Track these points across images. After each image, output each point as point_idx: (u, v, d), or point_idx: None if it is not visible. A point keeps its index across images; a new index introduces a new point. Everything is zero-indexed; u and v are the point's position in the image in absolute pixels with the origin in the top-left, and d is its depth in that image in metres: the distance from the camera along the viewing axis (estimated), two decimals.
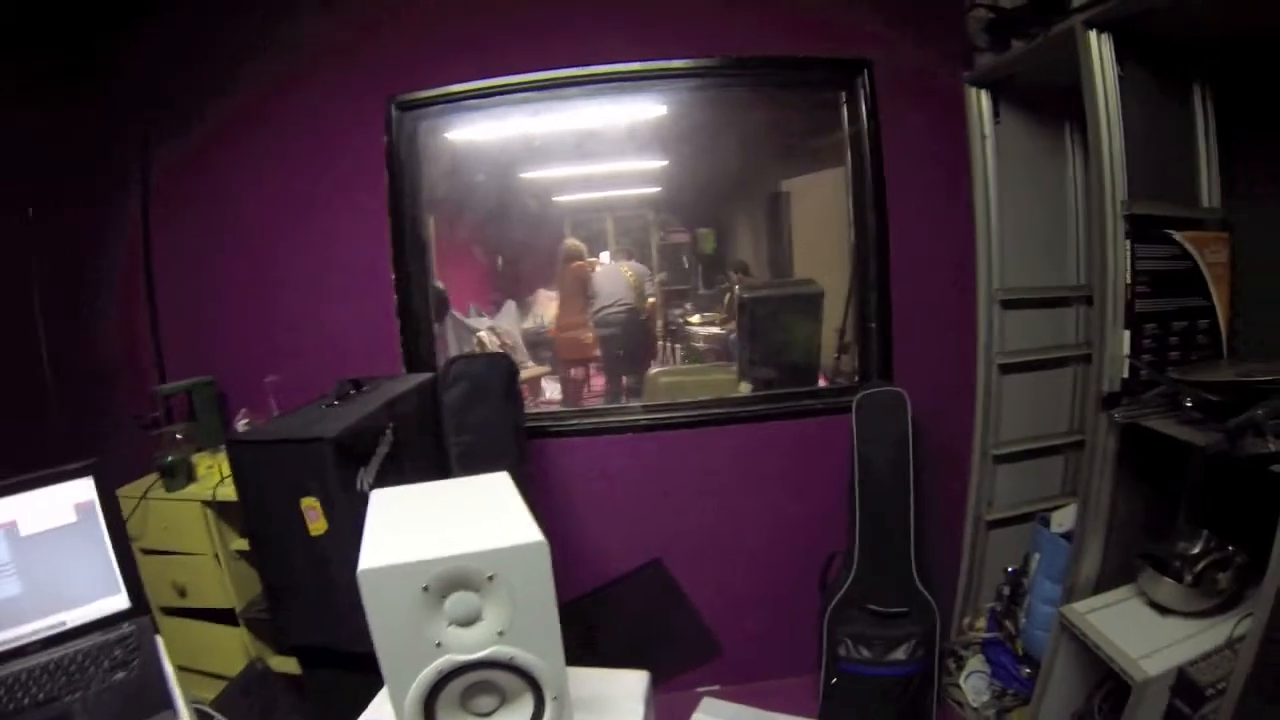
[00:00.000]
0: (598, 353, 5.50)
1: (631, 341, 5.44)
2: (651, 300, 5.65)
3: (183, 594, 2.92)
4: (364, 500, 1.54)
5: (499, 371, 2.98)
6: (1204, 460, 2.38)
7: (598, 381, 5.64)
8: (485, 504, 1.49)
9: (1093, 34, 2.26)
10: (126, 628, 1.85)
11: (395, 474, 2.28)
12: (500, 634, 1.28)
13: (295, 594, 2.18)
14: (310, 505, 2.04)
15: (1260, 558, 1.91)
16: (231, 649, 2.93)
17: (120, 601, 1.89)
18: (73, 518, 1.85)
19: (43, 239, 3.21)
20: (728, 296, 5.86)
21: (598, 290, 5.44)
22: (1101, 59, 2.26)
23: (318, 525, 2.05)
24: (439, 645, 1.27)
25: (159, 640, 1.83)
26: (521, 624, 1.29)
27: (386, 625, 1.25)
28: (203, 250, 3.32)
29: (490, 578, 1.26)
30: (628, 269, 5.54)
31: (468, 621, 1.29)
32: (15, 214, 3.14)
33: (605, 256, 5.74)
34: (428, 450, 2.77)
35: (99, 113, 3.33)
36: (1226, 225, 2.51)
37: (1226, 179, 2.52)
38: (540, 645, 1.31)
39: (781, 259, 5.39)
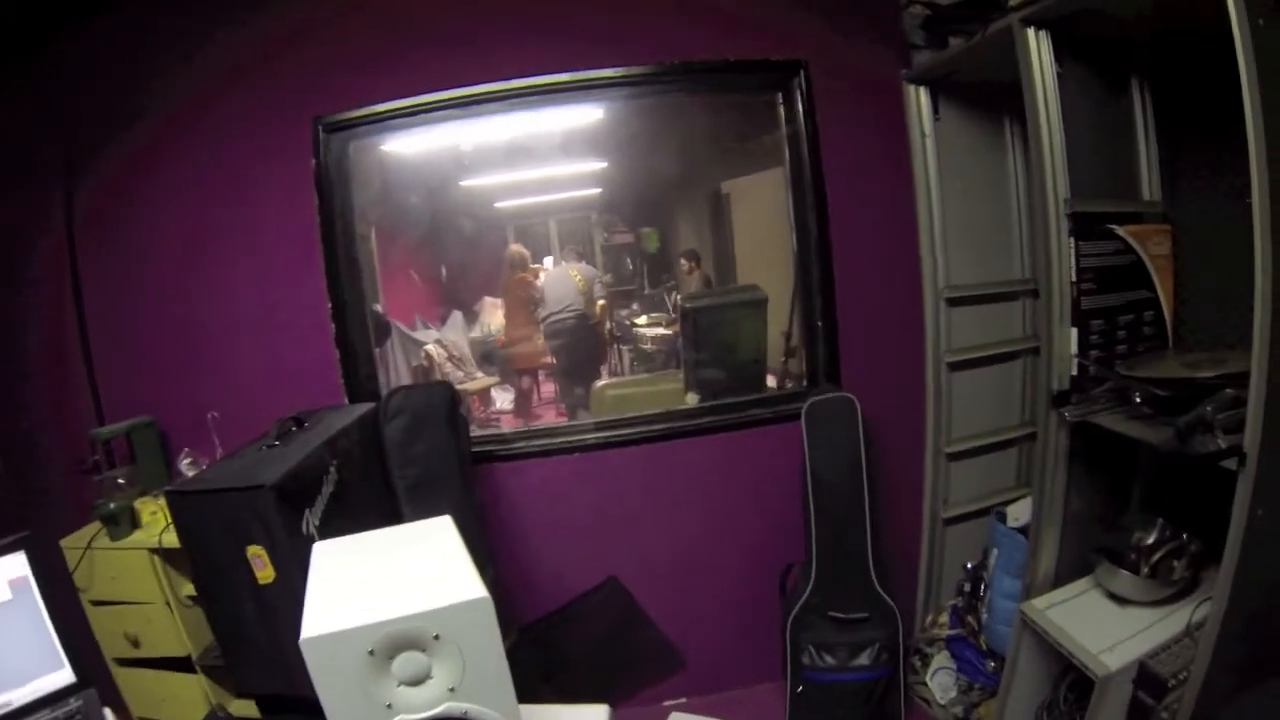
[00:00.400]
0: (548, 360, 5.46)
1: (581, 347, 5.40)
2: (601, 304, 5.61)
3: (136, 644, 2.83)
4: (311, 544, 1.51)
5: (440, 400, 2.92)
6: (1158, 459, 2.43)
7: (548, 389, 5.65)
8: (428, 555, 1.48)
9: (1030, 31, 2.26)
10: (74, 703, 1.81)
11: (343, 512, 2.24)
12: (451, 690, 1.27)
13: (247, 643, 2.13)
14: (256, 554, 2.00)
15: (1214, 543, 1.97)
16: (191, 697, 2.85)
17: (65, 676, 1.84)
18: (7, 595, 1.80)
19: None
20: (674, 296, 5.86)
21: (546, 297, 5.40)
22: (1040, 57, 2.28)
23: (265, 573, 2.01)
24: (389, 707, 1.25)
25: (107, 713, 1.78)
26: (472, 678, 1.28)
27: (334, 691, 1.23)
28: (133, 283, 3.21)
29: (436, 636, 1.25)
30: (576, 272, 5.50)
31: (417, 681, 1.27)
32: None
33: (549, 262, 5.69)
34: (374, 485, 2.72)
35: (16, 135, 3.19)
36: (1167, 218, 2.53)
37: (1166, 172, 2.55)
38: (493, 697, 1.30)
39: (725, 258, 5.39)
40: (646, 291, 6.05)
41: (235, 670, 2.28)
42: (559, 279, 5.46)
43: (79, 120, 3.15)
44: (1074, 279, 2.32)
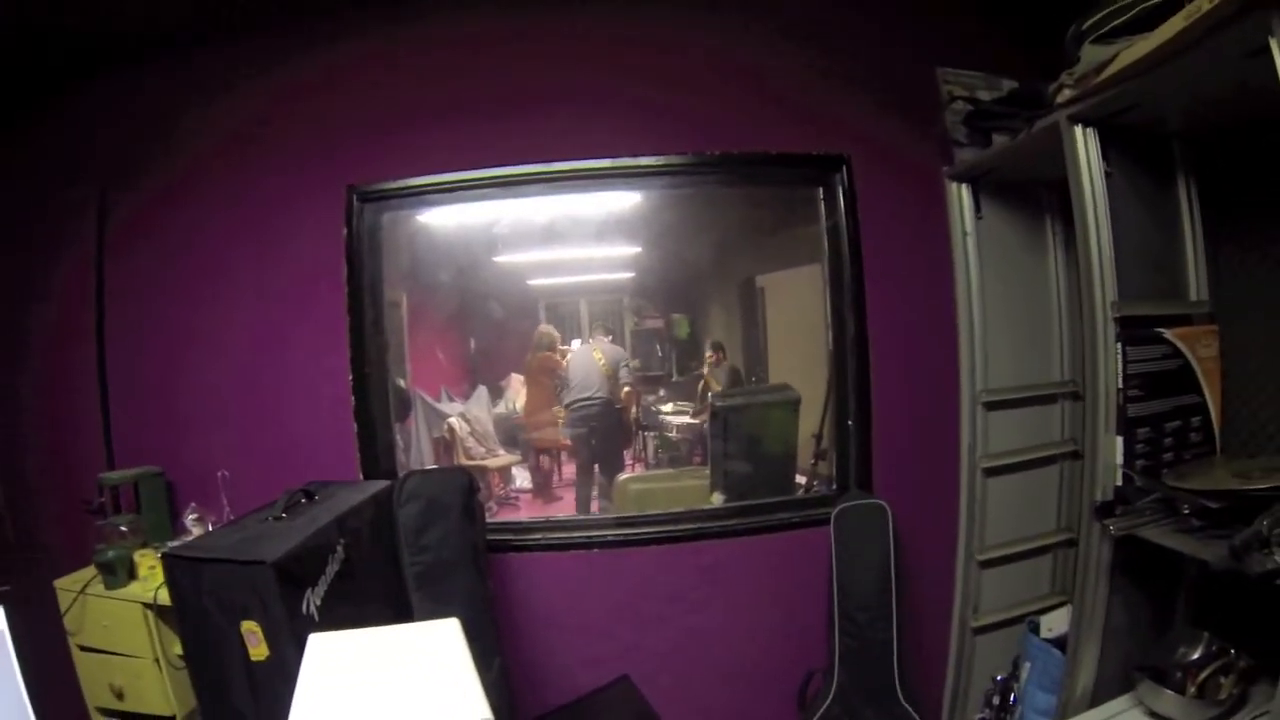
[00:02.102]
0: (568, 443, 5.32)
1: (604, 436, 5.26)
2: (626, 389, 5.49)
3: (120, 697, 2.69)
4: (310, 624, 1.38)
5: (457, 488, 2.78)
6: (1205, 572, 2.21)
7: (569, 469, 5.51)
8: (430, 664, 1.34)
9: (1078, 129, 2.19)
10: None
11: (347, 594, 2.11)
12: None
13: (232, 717, 1.99)
14: (251, 629, 1.87)
15: (1265, 657, 1.96)
16: None
17: None
18: None
19: None
20: (701, 384, 5.77)
21: (570, 379, 5.28)
22: (1088, 155, 2.19)
23: (258, 650, 1.88)
24: None
25: None
26: None
27: None
28: (157, 328, 3.15)
29: None
30: (599, 353, 5.36)
31: None
32: None
33: (576, 344, 5.57)
34: (383, 567, 2.58)
35: (53, 178, 3.20)
36: (1214, 318, 2.41)
37: (1212, 269, 2.43)
38: None
39: (755, 350, 5.30)
40: (675, 379, 5.95)
41: None
42: (582, 359, 5.35)
43: (115, 166, 3.15)
44: (1120, 385, 2.19)
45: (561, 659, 3.16)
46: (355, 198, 3.03)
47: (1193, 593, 2.42)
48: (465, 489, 2.80)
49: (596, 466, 5.25)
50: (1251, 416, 2.34)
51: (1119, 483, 2.21)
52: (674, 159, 3.06)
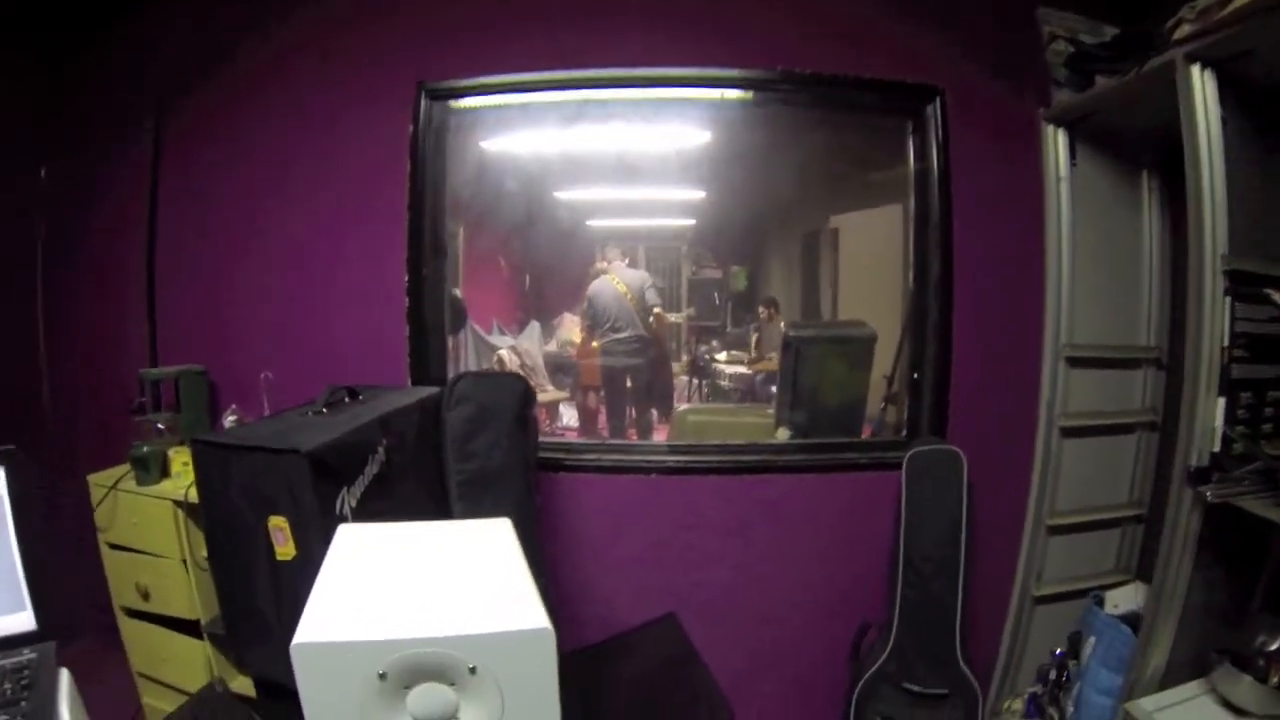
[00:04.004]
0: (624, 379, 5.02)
1: (642, 376, 4.96)
2: (658, 312, 5.18)
3: (146, 597, 2.55)
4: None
5: (512, 394, 2.50)
6: None
7: None
8: (478, 564, 1.09)
9: (1195, 69, 2.00)
10: (26, 654, 1.43)
11: (385, 499, 1.87)
12: None
13: (254, 620, 1.76)
14: (278, 525, 1.63)
15: None
16: (194, 662, 2.55)
17: (24, 621, 1.47)
18: None
19: (51, 200, 3.04)
20: (755, 337, 5.57)
21: (598, 316, 4.93)
22: (1204, 96, 2.00)
23: (285, 549, 1.64)
24: None
25: (63, 676, 1.40)
26: None
27: (323, 715, 0.87)
28: (209, 228, 2.95)
29: (473, 670, 0.89)
30: (620, 282, 4.96)
31: None
32: (28, 172, 2.99)
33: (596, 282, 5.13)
34: (426, 475, 2.32)
35: (112, 74, 3.03)
36: None
37: None
38: None
39: (814, 300, 5.04)
40: (729, 330, 5.71)
41: (237, 645, 1.98)
42: (606, 294, 4.96)
43: (175, 59, 2.95)
44: (1226, 344, 1.99)
45: (606, 589, 2.94)
46: (424, 94, 2.76)
47: (1273, 578, 2.21)
48: (521, 396, 2.52)
49: (632, 410, 4.97)
50: None
51: (1216, 448, 2.01)
52: (757, 72, 2.79)
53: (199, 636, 2.52)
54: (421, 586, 1.01)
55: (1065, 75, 2.67)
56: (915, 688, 2.61)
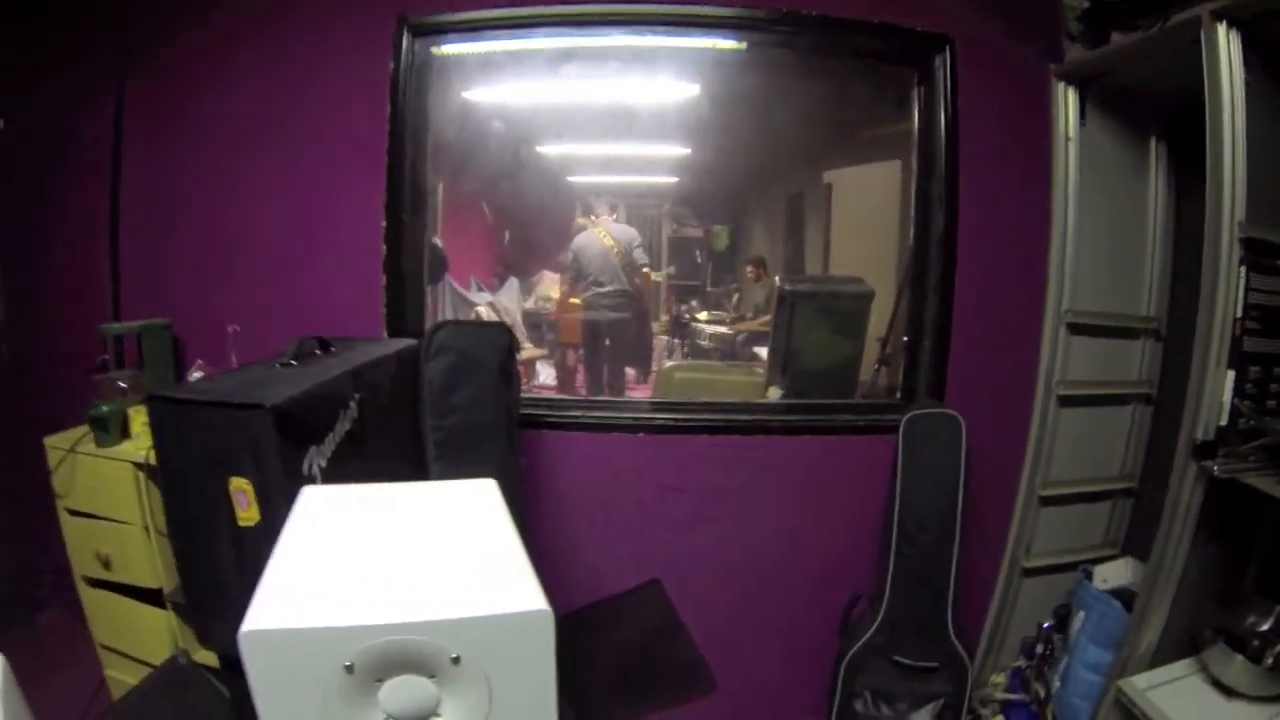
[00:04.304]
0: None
1: (623, 332, 4.85)
2: (645, 271, 5.06)
3: (107, 565, 2.40)
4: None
5: (494, 344, 2.35)
6: (1276, 522, 2.09)
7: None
8: (461, 533, 0.96)
9: (1221, 27, 1.90)
10: None
11: (358, 459, 1.73)
12: None
13: (216, 590, 1.62)
14: (240, 488, 1.49)
15: None
16: (158, 633, 2.40)
17: None
18: None
19: (10, 151, 2.86)
20: (735, 297, 5.51)
21: (584, 269, 4.80)
22: (1229, 56, 1.90)
23: (248, 514, 1.50)
24: None
25: None
26: None
27: (281, 714, 0.75)
28: (176, 176, 2.75)
29: (456, 660, 0.77)
30: (607, 236, 4.83)
31: (414, 719, 0.79)
32: None
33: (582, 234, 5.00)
34: (402, 431, 2.19)
35: (78, 21, 2.81)
36: None
37: None
38: None
39: (799, 260, 4.96)
40: (709, 289, 5.64)
41: (198, 617, 1.77)
42: (593, 247, 4.83)
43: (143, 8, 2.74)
44: (1239, 314, 1.91)
45: (589, 553, 2.82)
46: (406, 29, 2.58)
47: (1264, 559, 2.19)
48: (504, 346, 2.39)
49: (606, 369, 4.88)
50: None
51: (1223, 422, 1.94)
52: (766, 13, 2.62)
53: (163, 606, 2.39)
54: (395, 561, 0.88)
55: (1080, 30, 2.55)
56: (905, 660, 2.53)
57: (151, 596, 2.40)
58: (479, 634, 0.77)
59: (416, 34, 2.60)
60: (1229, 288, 1.91)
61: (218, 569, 1.57)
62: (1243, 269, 1.90)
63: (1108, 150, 2.71)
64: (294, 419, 1.48)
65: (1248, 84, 1.90)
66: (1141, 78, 2.49)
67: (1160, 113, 2.70)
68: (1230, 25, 1.89)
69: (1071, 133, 2.64)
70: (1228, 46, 1.89)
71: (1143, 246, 2.81)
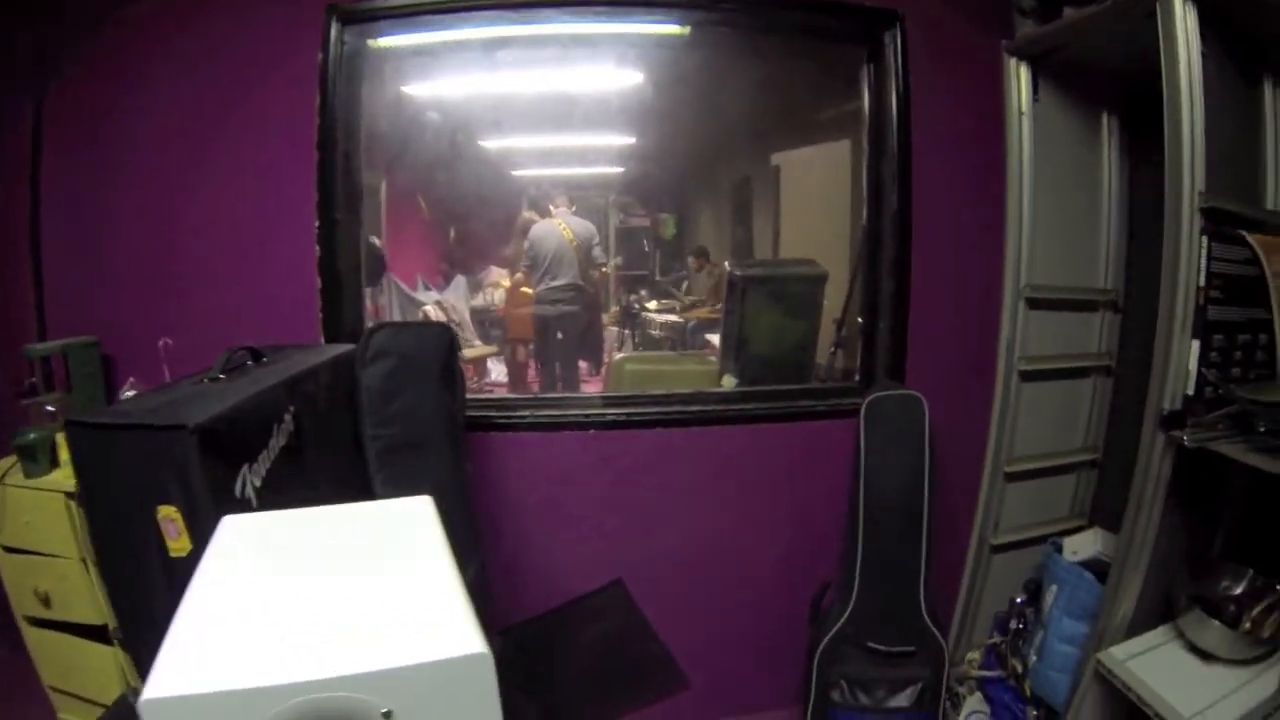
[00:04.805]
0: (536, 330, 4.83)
1: (581, 328, 4.77)
2: (603, 268, 4.98)
3: (47, 603, 2.25)
4: (247, 509, 1.08)
5: (434, 346, 2.22)
6: (1243, 488, 2.11)
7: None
8: (392, 566, 0.85)
9: (1177, 1, 1.88)
10: None
11: (295, 475, 1.61)
12: None
13: (153, 625, 1.48)
14: (169, 516, 1.35)
15: None
16: (107, 671, 2.26)
17: None
18: None
19: None
20: (684, 284, 5.47)
21: (539, 261, 4.71)
22: (1186, 28, 1.88)
23: (179, 544, 1.36)
24: None
25: None
26: None
27: None
28: (98, 184, 2.58)
29: (387, 715, 0.67)
30: (566, 229, 4.76)
31: None
32: None
33: (540, 222, 4.94)
34: (343, 443, 2.06)
35: None
36: None
37: None
38: None
39: (747, 247, 4.90)
40: (658, 278, 5.63)
41: (135, 654, 1.69)
42: (550, 238, 4.75)
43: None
44: (1202, 284, 1.89)
45: (546, 559, 2.72)
46: (335, 18, 2.45)
47: (1232, 525, 2.21)
48: (445, 347, 2.26)
49: (558, 364, 4.81)
50: None
51: (1190, 391, 1.92)
52: None
53: (109, 643, 2.24)
54: (318, 604, 0.77)
55: (1031, 5, 2.52)
56: (879, 646, 2.46)
57: (97, 633, 2.25)
58: (411, 685, 0.66)
59: (346, 22, 2.46)
60: (1191, 258, 1.89)
61: (153, 604, 1.43)
62: (1204, 239, 1.89)
63: (1061, 124, 2.68)
64: (221, 438, 1.36)
65: (1203, 56, 1.88)
66: (1093, 52, 2.47)
67: (1112, 86, 2.68)
68: None
69: (1024, 108, 2.60)
70: (1184, 19, 1.87)
71: (1098, 219, 2.79)
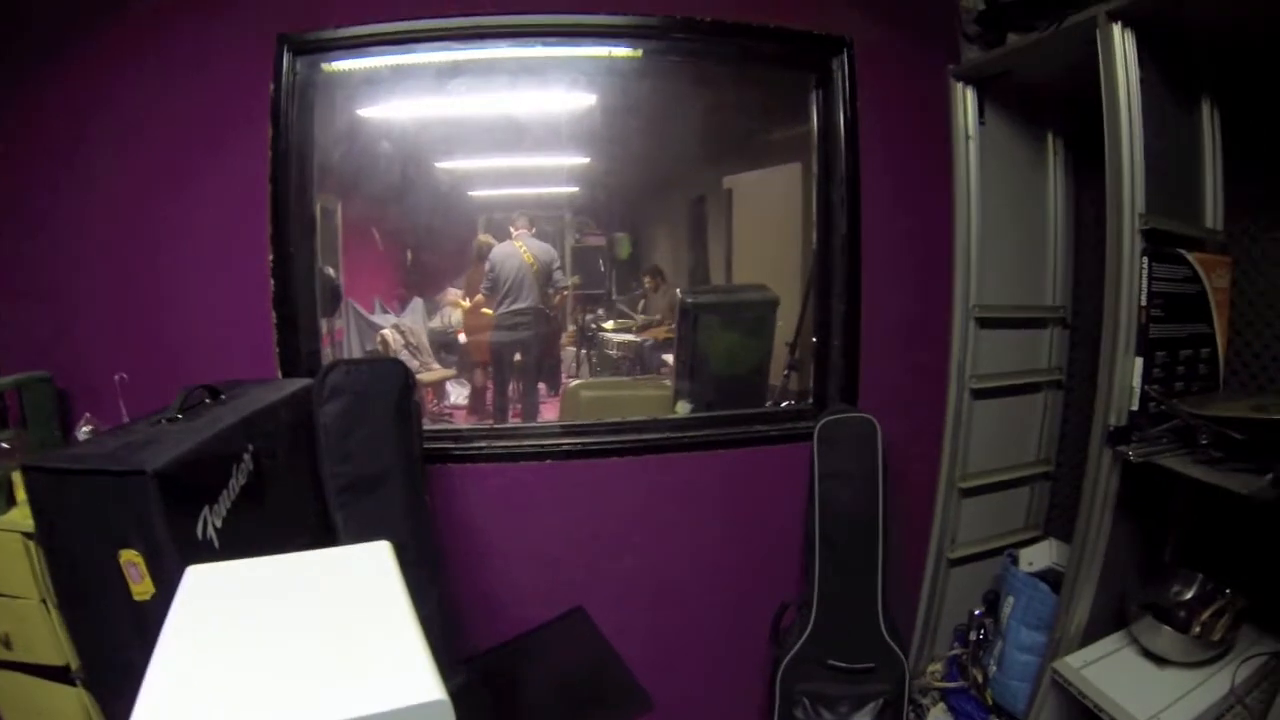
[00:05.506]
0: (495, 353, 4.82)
1: (538, 351, 4.78)
2: (564, 291, 4.98)
3: (7, 645, 2.18)
4: (208, 552, 1.10)
5: (390, 381, 2.20)
6: (1190, 497, 2.20)
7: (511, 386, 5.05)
8: (350, 614, 0.86)
9: (1116, 27, 1.96)
10: None
11: (256, 514, 1.60)
12: None
13: (118, 669, 1.46)
14: (131, 560, 1.34)
15: (1261, 599, 1.98)
16: (71, 713, 2.20)
17: None
18: None
19: None
20: (641, 304, 5.47)
21: (500, 283, 4.69)
22: (1125, 55, 1.96)
23: (142, 588, 1.35)
24: None
25: None
26: None
27: None
28: (45, 217, 2.51)
29: None
30: (527, 252, 4.75)
31: None
32: None
33: (500, 245, 4.93)
34: (303, 480, 2.03)
35: None
36: (1226, 249, 2.23)
37: (1227, 201, 2.25)
38: None
39: (703, 267, 4.91)
40: (615, 298, 5.62)
41: (102, 698, 1.64)
42: (511, 260, 4.73)
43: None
44: (1143, 303, 1.96)
45: (507, 588, 2.70)
46: (287, 48, 2.41)
47: (1183, 531, 2.28)
48: (400, 383, 2.23)
49: (514, 386, 4.81)
50: (1254, 354, 2.21)
51: (1134, 407, 1.99)
52: (660, 20, 2.53)
53: (72, 684, 2.18)
54: (276, 657, 0.77)
55: (976, 31, 2.58)
56: (840, 664, 2.48)
57: (59, 674, 2.18)
58: None
59: (298, 53, 2.44)
60: (1133, 277, 1.95)
61: (119, 648, 1.41)
62: (1145, 259, 1.94)
63: (1007, 147, 2.74)
64: (181, 481, 1.35)
65: (1142, 81, 1.94)
66: (1037, 76, 2.53)
67: (1057, 109, 2.74)
68: (1125, 25, 1.94)
69: (971, 131, 2.65)
70: (1123, 46, 1.94)
71: (1045, 239, 2.85)
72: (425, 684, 0.71)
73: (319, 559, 1.00)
